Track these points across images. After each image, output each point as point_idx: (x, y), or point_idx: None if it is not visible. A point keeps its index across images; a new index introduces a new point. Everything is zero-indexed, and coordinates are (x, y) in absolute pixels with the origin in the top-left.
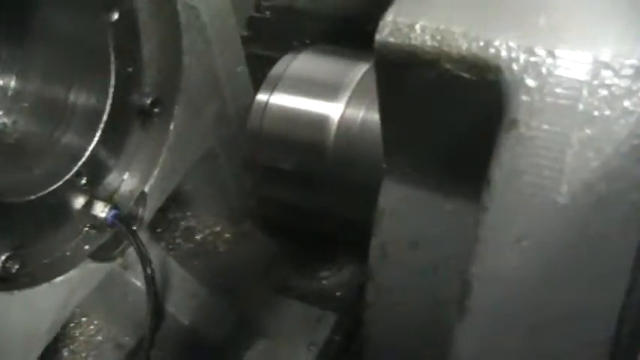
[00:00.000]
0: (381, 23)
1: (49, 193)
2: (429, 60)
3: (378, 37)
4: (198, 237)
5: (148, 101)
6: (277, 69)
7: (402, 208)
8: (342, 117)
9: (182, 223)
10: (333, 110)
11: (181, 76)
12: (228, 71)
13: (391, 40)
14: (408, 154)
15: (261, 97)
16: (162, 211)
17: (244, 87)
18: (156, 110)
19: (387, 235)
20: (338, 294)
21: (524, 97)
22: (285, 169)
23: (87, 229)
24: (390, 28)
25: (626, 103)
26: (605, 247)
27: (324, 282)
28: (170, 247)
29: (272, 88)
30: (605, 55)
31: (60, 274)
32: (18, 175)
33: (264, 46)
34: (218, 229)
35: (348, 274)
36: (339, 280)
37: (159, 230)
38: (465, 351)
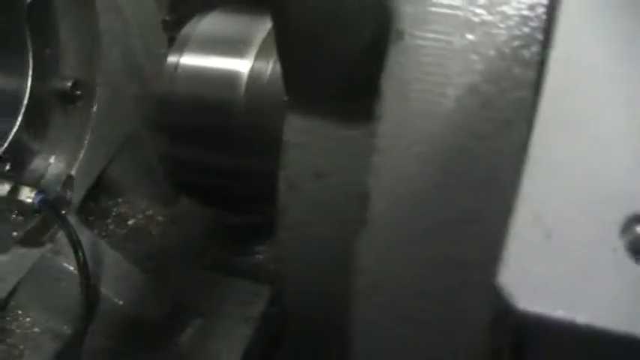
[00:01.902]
0: None
1: None
2: None
3: None
4: (130, 222)
5: (69, 84)
6: (185, 31)
7: (304, 139)
8: (250, 71)
9: (114, 209)
10: (241, 65)
11: (101, 58)
12: (148, 52)
13: None
14: (306, 85)
15: (171, 59)
16: (93, 198)
17: None
18: (77, 93)
19: (292, 167)
20: (272, 267)
21: (409, 8)
22: (199, 129)
23: (14, 215)
24: None
25: (505, 8)
26: (491, 147)
27: (259, 257)
28: (103, 233)
29: (181, 50)
30: None
31: None
32: None
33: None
34: (150, 212)
35: None
36: (273, 254)
37: (91, 218)
38: (367, 263)
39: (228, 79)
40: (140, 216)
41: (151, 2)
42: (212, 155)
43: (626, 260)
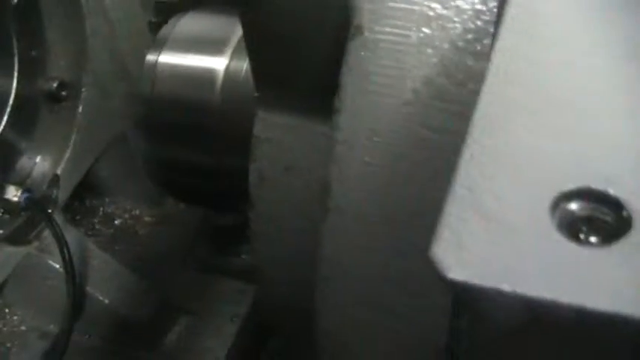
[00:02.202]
0: None
1: None
2: None
3: None
4: (117, 222)
5: (55, 85)
6: (164, 30)
7: (275, 134)
8: (227, 69)
9: (100, 209)
10: (218, 63)
11: (87, 59)
12: (134, 53)
13: None
14: (275, 82)
15: (150, 57)
16: (80, 198)
17: None
18: (63, 93)
19: (262, 161)
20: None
21: (368, 5)
22: (177, 127)
23: (0, 213)
24: None
25: (459, 2)
26: (447, 138)
27: (245, 256)
28: (90, 233)
29: (160, 49)
30: None
31: None
32: None
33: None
34: (137, 212)
35: None
36: None
37: (78, 217)
38: (329, 251)
39: (205, 77)
40: (127, 216)
41: (137, 4)
42: (191, 153)
43: (557, 236)
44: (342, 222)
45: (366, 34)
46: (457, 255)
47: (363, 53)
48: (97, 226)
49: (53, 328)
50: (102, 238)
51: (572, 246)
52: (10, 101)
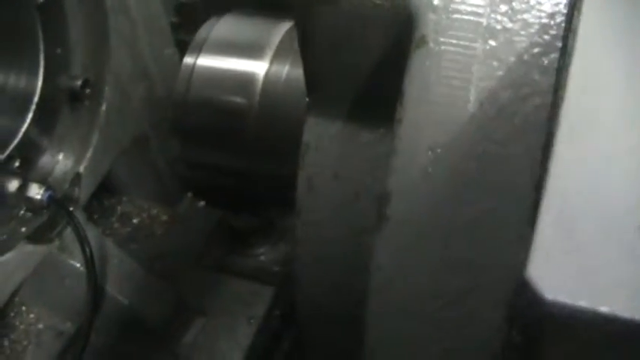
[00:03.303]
0: None
1: None
2: None
3: None
4: (135, 221)
5: (78, 83)
6: (201, 33)
7: (324, 141)
8: (266, 74)
9: (118, 208)
10: (258, 68)
11: (109, 57)
12: (155, 53)
13: None
14: (327, 89)
15: (188, 60)
16: (98, 197)
17: (173, 70)
18: (86, 92)
19: (311, 168)
20: (275, 269)
21: (432, 16)
22: (214, 130)
23: (23, 211)
24: None
25: (526, 16)
26: (509, 152)
27: (262, 258)
28: (107, 232)
29: (197, 52)
30: None
31: None
32: None
33: (194, 32)
34: (154, 212)
35: (284, 250)
36: (276, 256)
37: (96, 216)
38: (385, 260)
39: (244, 82)
40: (144, 215)
41: (158, 4)
42: (226, 157)
43: None
44: (399, 232)
45: (431, 44)
46: (553, 276)
47: (426, 64)
48: (115, 225)
49: (70, 326)
50: (119, 237)
51: None
52: (36, 99)
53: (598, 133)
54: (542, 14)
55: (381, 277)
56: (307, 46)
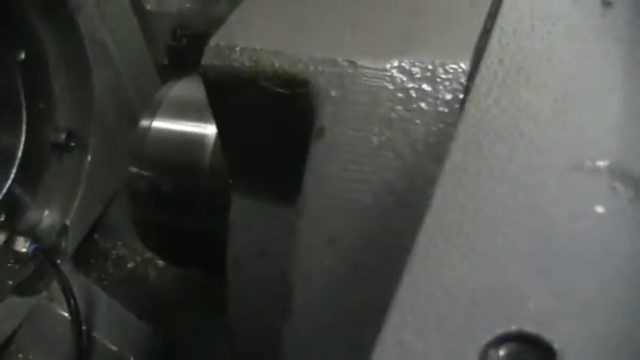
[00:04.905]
0: (206, 48)
1: None
2: (248, 79)
3: (203, 60)
4: (129, 265)
5: (63, 136)
6: (158, 96)
7: (249, 220)
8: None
9: (113, 252)
10: (209, 130)
11: (94, 108)
12: (142, 100)
13: (215, 62)
14: (246, 170)
15: (142, 123)
16: (92, 242)
17: None
18: (72, 144)
19: (238, 246)
20: None
21: (329, 107)
22: (168, 192)
23: (10, 264)
24: (214, 52)
25: (422, 104)
26: (408, 244)
27: None
28: (102, 276)
29: (152, 114)
30: (404, 62)
31: None
32: None
33: (183, 73)
34: (148, 255)
35: None
36: None
37: (92, 261)
38: (290, 351)
39: (196, 142)
40: (139, 259)
41: (143, 50)
42: (181, 218)
43: None
44: (303, 323)
45: (328, 136)
46: None
47: (325, 155)
48: (110, 269)
49: None
50: (113, 281)
51: None
52: (19, 155)
53: (454, 244)
54: (439, 102)
55: None
56: (224, 131)
